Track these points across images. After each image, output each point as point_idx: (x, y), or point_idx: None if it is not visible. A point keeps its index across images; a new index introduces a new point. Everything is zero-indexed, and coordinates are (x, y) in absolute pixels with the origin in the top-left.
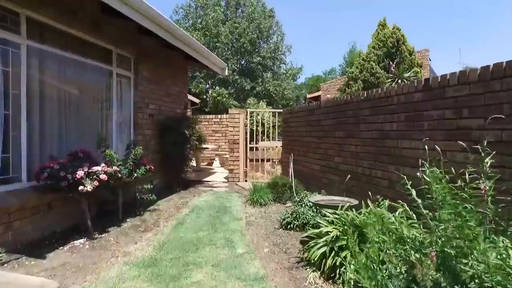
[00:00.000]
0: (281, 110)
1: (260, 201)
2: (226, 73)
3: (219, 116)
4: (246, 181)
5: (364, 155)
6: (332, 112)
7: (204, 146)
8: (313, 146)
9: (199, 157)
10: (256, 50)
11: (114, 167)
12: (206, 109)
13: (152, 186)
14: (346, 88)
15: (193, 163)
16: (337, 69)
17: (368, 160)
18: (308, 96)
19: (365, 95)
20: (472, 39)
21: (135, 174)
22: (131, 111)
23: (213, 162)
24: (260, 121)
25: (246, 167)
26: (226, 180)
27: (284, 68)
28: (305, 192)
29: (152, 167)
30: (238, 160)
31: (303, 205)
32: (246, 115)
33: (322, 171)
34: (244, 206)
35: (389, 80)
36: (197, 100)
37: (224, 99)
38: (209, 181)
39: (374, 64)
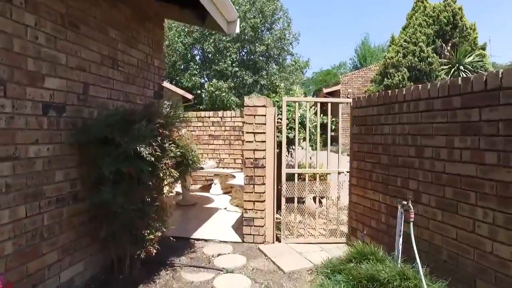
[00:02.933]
0: (347, 100)
1: None
2: (237, 30)
3: (219, 113)
4: (278, 239)
5: None
6: None
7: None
8: (477, 186)
9: (186, 180)
10: (259, 37)
11: None
12: (201, 107)
13: None
14: (385, 78)
15: (178, 188)
16: (348, 63)
17: None
18: (325, 90)
19: None
20: None
21: None
22: None
23: (210, 186)
24: (298, 119)
25: (279, 209)
26: (238, 239)
27: (292, 60)
28: None
29: None
30: (264, 199)
31: None
32: (274, 107)
33: None
34: None
35: (445, 67)
36: (190, 96)
37: (224, 94)
38: (202, 243)
39: (423, 45)
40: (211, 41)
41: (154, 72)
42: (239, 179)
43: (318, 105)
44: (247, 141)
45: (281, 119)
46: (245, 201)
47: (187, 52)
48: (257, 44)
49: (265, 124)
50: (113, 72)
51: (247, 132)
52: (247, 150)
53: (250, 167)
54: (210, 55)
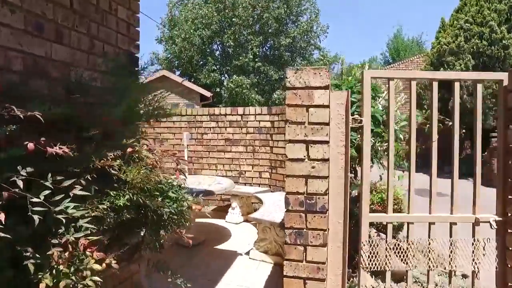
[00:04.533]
0: (497, 76)
1: None
2: None
3: (239, 110)
4: None
5: None
6: None
7: (202, 188)
8: None
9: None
10: (284, 29)
11: None
12: (220, 106)
13: None
14: (441, 69)
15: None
16: (378, 58)
17: None
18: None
19: None
20: None
21: None
22: None
23: (227, 208)
24: (392, 114)
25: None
26: None
27: (319, 54)
28: None
29: None
30: (323, 277)
31: None
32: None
33: None
34: None
35: None
36: (208, 94)
37: (245, 91)
38: None
39: (494, 24)
40: (230, 33)
41: (117, 30)
42: (269, 207)
43: (413, 88)
44: (292, 159)
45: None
46: (286, 276)
47: (205, 46)
48: (281, 37)
49: (327, 124)
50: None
51: (291, 141)
52: (292, 176)
53: (297, 211)
54: (230, 49)
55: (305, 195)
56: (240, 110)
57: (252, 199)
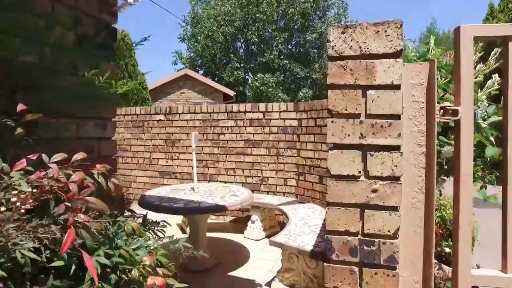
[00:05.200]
0: None
1: None
2: None
3: (261, 106)
4: None
5: None
6: None
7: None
8: None
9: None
10: (310, 25)
11: None
12: None
13: None
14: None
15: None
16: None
17: None
18: None
19: None
20: None
21: None
22: None
23: (247, 221)
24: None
25: None
26: None
27: None
28: None
29: None
30: None
31: None
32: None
33: None
34: None
35: None
36: (231, 92)
37: (270, 90)
38: None
39: None
40: (254, 29)
41: None
42: (296, 225)
43: None
44: (338, 177)
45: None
46: None
47: (228, 44)
48: (307, 33)
49: (398, 117)
50: None
51: (336, 146)
52: (339, 205)
53: (346, 262)
54: (254, 47)
55: (360, 236)
56: (262, 106)
57: (276, 210)
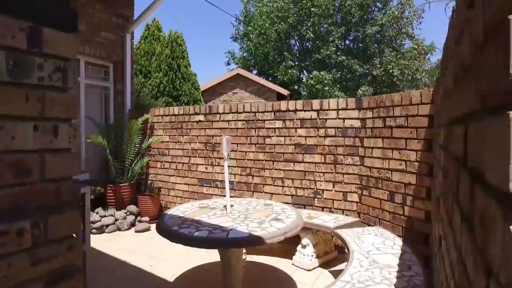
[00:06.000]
0: None
1: None
2: None
3: (314, 104)
4: None
5: None
6: None
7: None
8: None
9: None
10: (370, 18)
11: None
12: None
13: None
14: None
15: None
16: None
17: None
18: None
19: None
20: None
21: None
22: None
23: (296, 243)
24: None
25: None
26: None
27: (412, 43)
28: None
29: None
30: None
31: None
32: None
33: None
34: None
35: None
36: (285, 92)
37: (326, 88)
38: None
39: None
40: (309, 25)
41: None
42: (360, 265)
43: None
44: None
45: None
46: None
47: (282, 41)
48: (367, 26)
49: None
50: None
51: None
52: None
53: None
54: (308, 43)
55: None
56: (315, 103)
57: (331, 244)
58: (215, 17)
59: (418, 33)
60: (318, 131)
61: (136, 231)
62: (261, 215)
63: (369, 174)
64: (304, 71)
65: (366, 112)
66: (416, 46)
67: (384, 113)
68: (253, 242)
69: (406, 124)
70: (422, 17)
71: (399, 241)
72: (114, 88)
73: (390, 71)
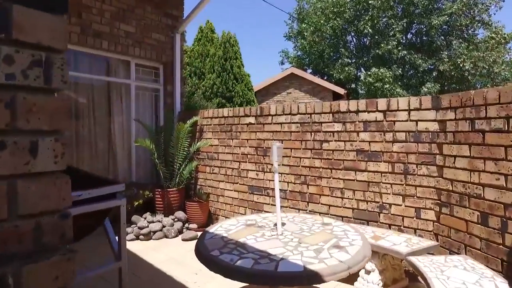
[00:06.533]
0: None
1: None
2: None
3: (380, 104)
4: None
5: None
6: None
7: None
8: None
9: None
10: (436, 8)
11: None
12: None
13: None
14: None
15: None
16: None
17: None
18: None
19: None
20: None
21: None
22: None
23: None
24: None
25: None
26: None
27: (489, 32)
28: None
29: None
30: None
31: None
32: None
33: None
34: None
35: None
36: (341, 91)
37: (387, 86)
38: None
39: None
40: (367, 19)
41: None
42: None
43: None
44: None
45: None
46: None
47: (338, 38)
48: (432, 16)
49: None
50: None
51: None
52: None
53: None
54: (366, 39)
55: None
56: (381, 103)
57: (404, 274)
58: (270, 16)
59: (497, 20)
60: (384, 135)
61: (183, 239)
62: (319, 240)
63: (451, 188)
64: (362, 69)
65: (446, 113)
66: (493, 35)
67: (472, 114)
68: (309, 280)
69: (507, 128)
70: (503, 0)
71: (501, 281)
72: (164, 90)
73: (461, 65)
